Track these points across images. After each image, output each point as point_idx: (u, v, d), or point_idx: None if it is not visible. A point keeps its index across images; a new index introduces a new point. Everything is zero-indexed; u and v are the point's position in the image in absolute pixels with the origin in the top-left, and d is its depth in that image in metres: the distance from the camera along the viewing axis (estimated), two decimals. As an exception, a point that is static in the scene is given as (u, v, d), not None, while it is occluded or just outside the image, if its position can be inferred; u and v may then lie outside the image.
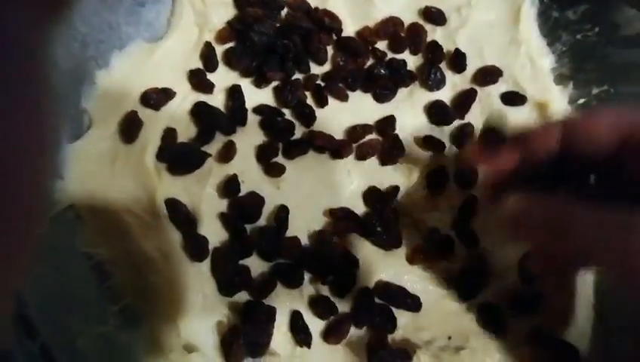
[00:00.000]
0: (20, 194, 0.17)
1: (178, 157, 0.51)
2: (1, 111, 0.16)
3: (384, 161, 0.58)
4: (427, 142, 0.59)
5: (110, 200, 0.46)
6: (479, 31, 0.61)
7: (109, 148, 0.49)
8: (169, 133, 0.53)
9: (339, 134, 0.59)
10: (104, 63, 0.51)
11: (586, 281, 0.53)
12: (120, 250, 0.46)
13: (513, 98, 0.59)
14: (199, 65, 0.57)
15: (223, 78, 0.57)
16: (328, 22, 0.60)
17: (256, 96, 0.58)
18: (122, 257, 0.46)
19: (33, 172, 0.18)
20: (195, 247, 0.48)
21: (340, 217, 0.55)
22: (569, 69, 0.60)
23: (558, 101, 0.59)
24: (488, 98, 0.59)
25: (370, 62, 0.62)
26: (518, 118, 0.58)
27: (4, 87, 0.16)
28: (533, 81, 0.60)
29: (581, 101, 0.59)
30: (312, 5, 0.61)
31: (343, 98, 0.60)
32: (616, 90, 0.57)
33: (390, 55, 0.62)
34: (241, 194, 0.53)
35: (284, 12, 0.61)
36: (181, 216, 0.49)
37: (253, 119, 0.57)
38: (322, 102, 0.59)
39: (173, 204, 0.49)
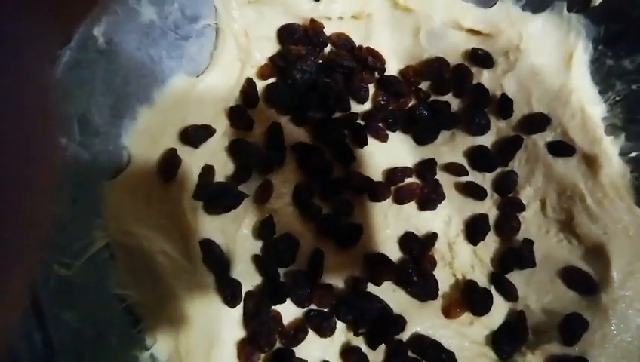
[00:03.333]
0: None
1: (215, 196, 0.50)
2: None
3: (423, 206, 0.56)
4: (468, 188, 0.57)
5: (145, 240, 0.46)
6: (528, 76, 0.58)
7: (146, 186, 0.48)
8: (207, 171, 0.52)
9: (377, 175, 0.57)
10: (146, 98, 0.51)
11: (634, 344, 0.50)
12: (152, 293, 0.45)
13: (561, 148, 0.56)
14: (239, 101, 0.56)
15: (262, 114, 0.56)
16: (371, 60, 0.59)
17: (296, 133, 0.57)
18: (154, 300, 0.45)
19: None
20: (228, 292, 0.47)
21: (375, 263, 0.53)
22: (622, 120, 0.57)
23: (609, 153, 0.56)
24: (534, 147, 0.57)
25: (412, 102, 0.60)
26: (567, 170, 0.56)
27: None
28: (582, 131, 0.57)
29: (633, 154, 0.56)
30: (356, 42, 0.60)
31: (383, 138, 0.58)
32: (673, 145, 0.55)
33: (433, 96, 0.60)
34: (275, 236, 0.52)
35: (327, 48, 0.59)
36: (215, 258, 0.48)
37: (291, 157, 0.56)
38: (362, 142, 0.57)
39: (207, 246, 0.48)
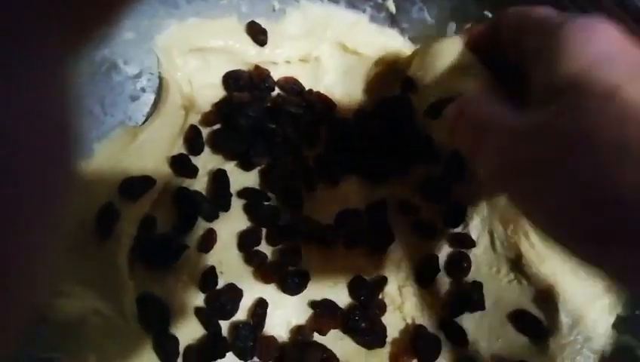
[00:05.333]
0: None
1: (154, 250, 0.50)
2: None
3: (373, 251, 0.56)
4: (418, 227, 0.57)
5: (77, 298, 0.45)
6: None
7: (81, 242, 0.47)
8: (147, 223, 0.51)
9: (327, 219, 0.56)
10: (86, 151, 0.50)
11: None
12: (82, 356, 0.44)
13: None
14: (183, 149, 0.55)
15: (207, 161, 0.56)
16: (320, 104, 0.59)
17: (242, 178, 0.56)
18: (85, 362, 0.44)
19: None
20: (164, 351, 0.47)
21: (320, 312, 0.52)
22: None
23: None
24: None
25: (362, 144, 0.60)
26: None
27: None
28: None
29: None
30: (306, 85, 0.60)
31: (333, 181, 0.58)
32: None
33: (383, 139, 0.59)
34: (219, 287, 0.51)
35: (275, 93, 0.59)
36: (153, 315, 0.48)
37: (237, 203, 0.55)
38: (311, 187, 0.57)
39: (145, 302, 0.48)
